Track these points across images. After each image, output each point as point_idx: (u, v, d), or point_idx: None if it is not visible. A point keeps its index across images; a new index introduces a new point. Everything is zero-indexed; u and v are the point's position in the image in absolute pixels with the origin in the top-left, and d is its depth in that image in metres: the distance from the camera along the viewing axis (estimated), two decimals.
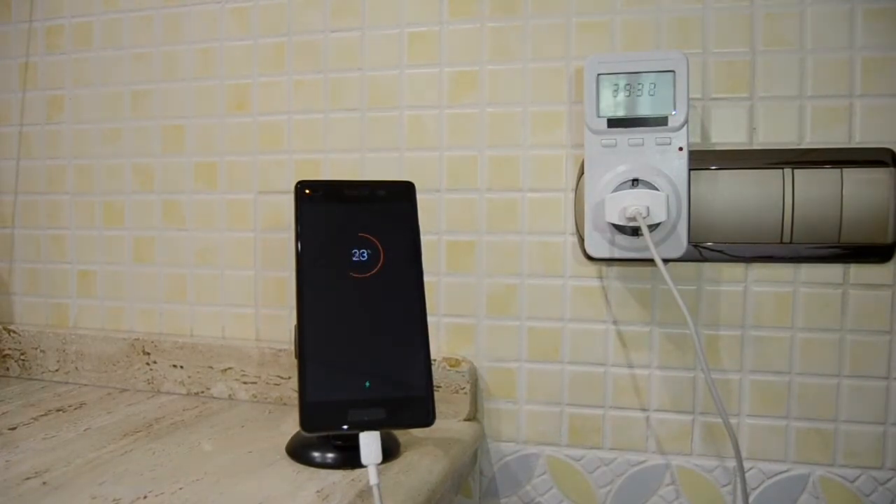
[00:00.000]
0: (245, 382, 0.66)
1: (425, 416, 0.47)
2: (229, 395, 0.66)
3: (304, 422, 0.45)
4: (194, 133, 0.70)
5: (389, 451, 0.50)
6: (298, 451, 0.50)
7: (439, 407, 0.59)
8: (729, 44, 0.57)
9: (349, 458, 0.48)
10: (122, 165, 0.72)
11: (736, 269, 0.57)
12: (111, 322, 0.73)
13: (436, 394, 0.50)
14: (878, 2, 0.54)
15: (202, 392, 0.67)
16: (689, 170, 0.53)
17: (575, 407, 0.60)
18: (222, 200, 0.69)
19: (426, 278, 0.51)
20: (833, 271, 0.55)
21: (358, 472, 0.47)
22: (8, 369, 0.74)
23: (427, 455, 0.52)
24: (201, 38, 0.69)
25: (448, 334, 0.63)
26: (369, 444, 0.44)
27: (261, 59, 0.67)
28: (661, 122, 0.53)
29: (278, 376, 0.65)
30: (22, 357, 0.74)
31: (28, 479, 0.46)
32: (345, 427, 0.45)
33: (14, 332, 0.74)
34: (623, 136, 0.54)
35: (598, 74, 0.54)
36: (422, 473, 0.48)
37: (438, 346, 0.63)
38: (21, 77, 0.75)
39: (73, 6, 0.73)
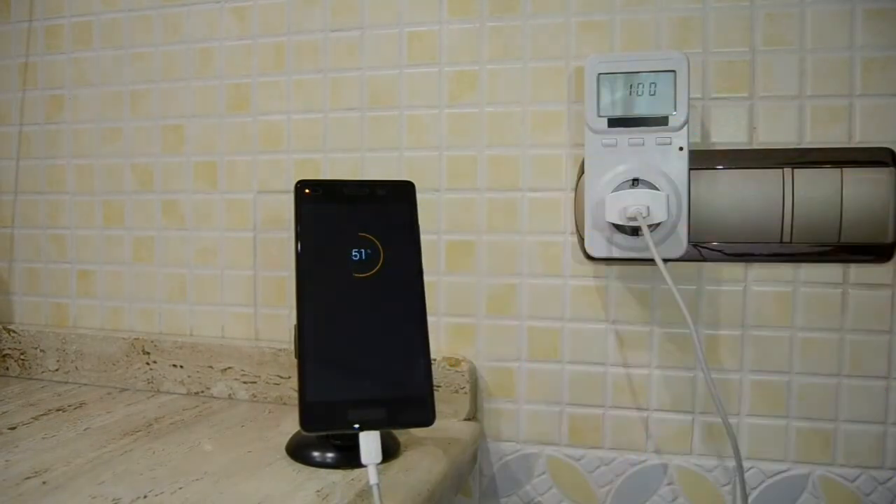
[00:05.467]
0: (245, 382, 0.66)
1: (425, 416, 0.47)
2: (229, 395, 0.66)
3: (304, 421, 0.44)
4: (194, 133, 0.70)
5: (389, 451, 0.50)
6: (298, 451, 0.50)
7: (439, 406, 0.58)
8: (729, 43, 0.56)
9: (349, 457, 0.48)
10: (122, 165, 0.72)
11: (736, 269, 0.57)
12: (111, 322, 0.73)
13: (436, 393, 0.49)
14: (878, 2, 0.54)
15: (202, 392, 0.67)
16: (690, 169, 0.53)
17: (575, 406, 0.60)
18: (222, 200, 0.69)
19: (426, 278, 0.50)
20: (833, 271, 0.55)
21: (357, 471, 0.47)
22: (8, 369, 0.74)
23: (427, 455, 0.52)
24: (201, 38, 0.69)
25: (448, 334, 0.63)
26: (369, 443, 0.43)
27: (260, 58, 0.67)
28: (661, 121, 0.53)
29: (278, 376, 0.65)
30: (22, 357, 0.73)
31: (28, 478, 0.46)
32: (344, 427, 0.45)
33: (14, 331, 0.74)
34: (623, 135, 0.54)
35: (599, 74, 0.54)
36: (421, 473, 0.48)
37: (438, 346, 0.63)
38: (21, 77, 0.75)
39: (72, 6, 0.73)
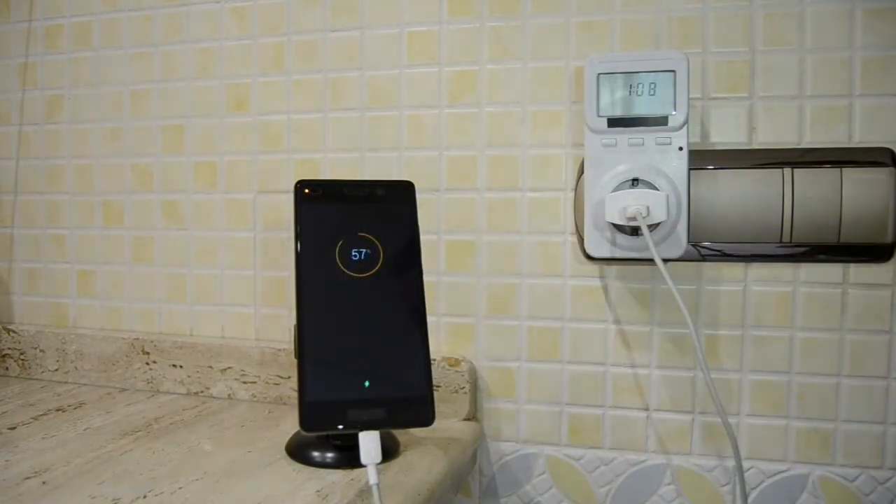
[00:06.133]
0: (245, 382, 0.66)
1: (425, 416, 0.47)
2: (229, 395, 0.66)
3: (304, 421, 0.44)
4: (194, 133, 0.70)
5: (389, 451, 0.50)
6: (298, 451, 0.50)
7: (439, 406, 0.58)
8: (728, 43, 0.57)
9: (349, 457, 0.48)
10: (122, 165, 0.72)
11: (736, 269, 0.57)
12: (111, 322, 0.73)
13: (435, 393, 0.50)
14: (878, 1, 0.54)
15: (202, 392, 0.67)
16: (689, 169, 0.53)
17: (574, 406, 0.60)
18: (222, 200, 0.69)
19: (426, 278, 0.50)
20: (833, 271, 0.55)
21: (357, 471, 0.47)
22: (7, 369, 0.74)
23: (426, 455, 0.52)
24: (201, 38, 0.69)
25: (448, 334, 0.63)
26: (369, 443, 0.44)
27: (260, 58, 0.67)
28: (661, 121, 0.53)
29: (278, 376, 0.65)
30: (21, 357, 0.73)
31: (27, 478, 0.46)
32: (344, 427, 0.45)
33: (13, 331, 0.74)
34: (623, 135, 0.54)
35: (599, 74, 0.54)
36: (421, 473, 0.48)
37: (438, 346, 0.63)
38: (20, 77, 0.75)
39: (72, 6, 0.73)
